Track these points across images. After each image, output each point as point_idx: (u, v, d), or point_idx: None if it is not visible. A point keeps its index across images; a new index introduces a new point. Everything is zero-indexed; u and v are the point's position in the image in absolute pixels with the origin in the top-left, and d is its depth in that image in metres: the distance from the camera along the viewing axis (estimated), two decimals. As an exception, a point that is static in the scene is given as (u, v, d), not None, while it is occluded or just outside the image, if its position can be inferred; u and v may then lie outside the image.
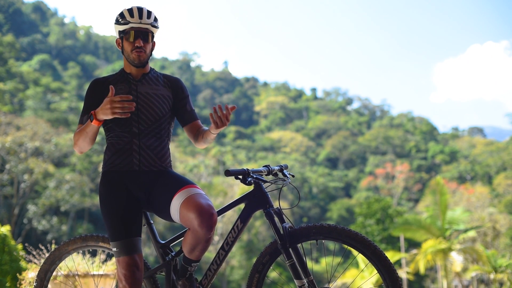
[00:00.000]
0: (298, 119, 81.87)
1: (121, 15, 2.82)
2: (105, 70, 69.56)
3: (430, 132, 77.32)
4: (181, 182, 2.72)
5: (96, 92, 2.86)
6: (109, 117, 2.57)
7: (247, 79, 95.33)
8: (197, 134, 2.93)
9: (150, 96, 2.83)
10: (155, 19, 2.85)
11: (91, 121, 2.63)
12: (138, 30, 2.79)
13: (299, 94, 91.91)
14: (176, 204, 2.63)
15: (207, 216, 2.50)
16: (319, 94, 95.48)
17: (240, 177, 2.69)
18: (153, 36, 2.87)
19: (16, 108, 47.68)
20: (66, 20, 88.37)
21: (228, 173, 2.64)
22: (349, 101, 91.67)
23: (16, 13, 74.17)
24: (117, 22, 2.82)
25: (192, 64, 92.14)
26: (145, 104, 2.80)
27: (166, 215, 2.74)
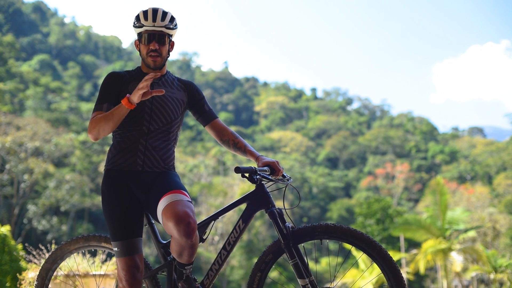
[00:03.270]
0: (298, 119, 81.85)
1: (137, 17, 2.81)
2: (105, 70, 69.50)
3: (430, 132, 77.30)
4: (168, 187, 2.68)
5: (113, 84, 2.82)
6: (137, 100, 2.56)
7: (247, 79, 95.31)
8: (227, 140, 2.95)
9: (165, 98, 2.83)
10: (171, 20, 2.82)
11: (126, 104, 2.58)
12: (152, 33, 2.77)
13: (299, 94, 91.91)
14: (159, 210, 2.61)
15: (184, 225, 2.46)
16: (319, 94, 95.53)
17: (247, 175, 2.70)
18: (170, 38, 2.85)
19: (16, 108, 47.67)
20: (66, 20, 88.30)
21: (238, 170, 2.65)
22: (349, 101, 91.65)
23: (16, 13, 74.14)
24: (134, 24, 2.83)
25: (192, 64, 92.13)
26: (159, 106, 2.80)
27: (157, 218, 2.72)
